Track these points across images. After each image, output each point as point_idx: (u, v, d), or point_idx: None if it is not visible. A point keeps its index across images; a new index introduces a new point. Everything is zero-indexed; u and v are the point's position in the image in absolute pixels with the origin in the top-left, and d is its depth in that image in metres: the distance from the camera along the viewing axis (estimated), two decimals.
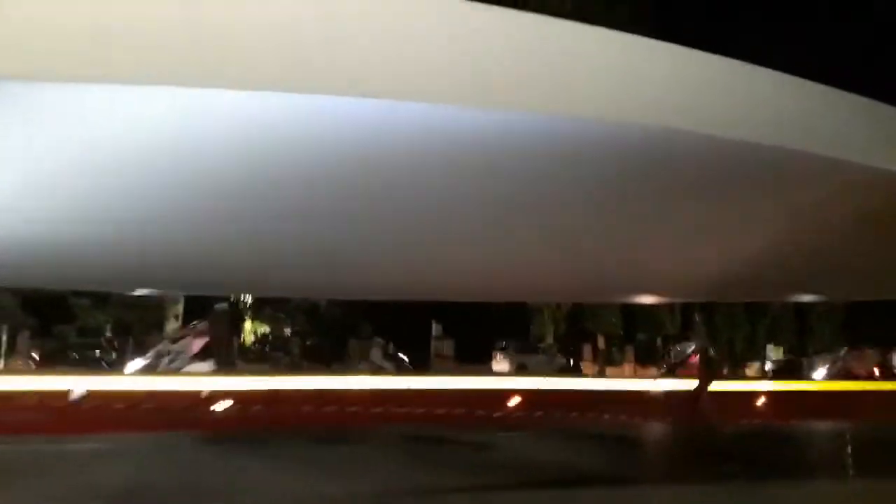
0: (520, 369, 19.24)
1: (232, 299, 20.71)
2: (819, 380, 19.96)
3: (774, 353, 24.37)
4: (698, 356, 19.05)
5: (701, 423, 12.85)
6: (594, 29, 5.05)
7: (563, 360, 21.02)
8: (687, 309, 23.67)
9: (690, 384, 14.22)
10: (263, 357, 21.09)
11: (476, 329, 19.49)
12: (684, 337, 22.28)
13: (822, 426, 14.25)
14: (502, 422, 12.97)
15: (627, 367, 20.78)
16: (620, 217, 6.54)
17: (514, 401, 13.39)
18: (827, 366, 21.54)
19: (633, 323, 22.62)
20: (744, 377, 20.51)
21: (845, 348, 22.96)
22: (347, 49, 4.21)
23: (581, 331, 21.84)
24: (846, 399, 15.69)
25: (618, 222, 6.65)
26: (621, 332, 22.14)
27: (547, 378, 15.78)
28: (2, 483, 6.99)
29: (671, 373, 18.94)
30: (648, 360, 21.25)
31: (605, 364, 20.98)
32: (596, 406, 13.40)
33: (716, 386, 14.51)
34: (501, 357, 20.48)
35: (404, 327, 19.28)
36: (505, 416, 13.25)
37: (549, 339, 21.99)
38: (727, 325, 24.69)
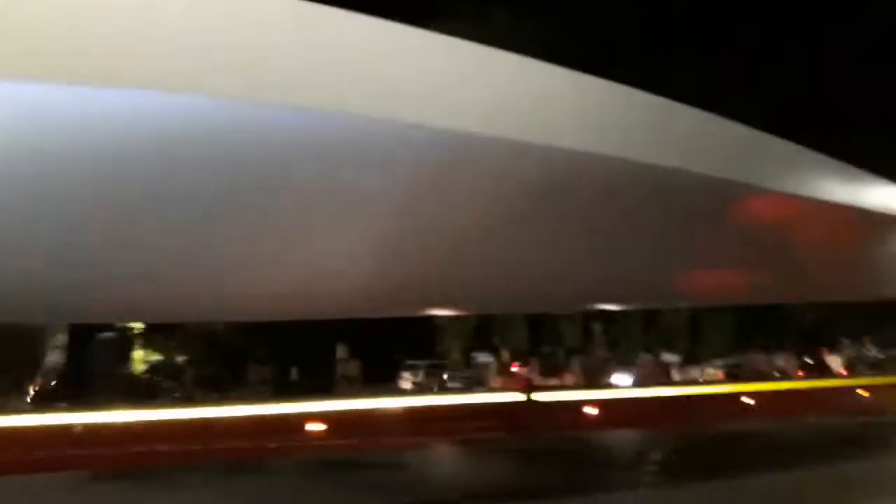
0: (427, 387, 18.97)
1: (118, 327, 19.47)
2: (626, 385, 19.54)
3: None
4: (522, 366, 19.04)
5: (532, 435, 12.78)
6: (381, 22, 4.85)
7: (471, 375, 20.86)
8: (587, 320, 24.14)
9: (513, 396, 13.98)
10: (153, 388, 19.85)
11: (383, 349, 19.04)
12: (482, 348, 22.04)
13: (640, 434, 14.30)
14: (410, 442, 12.66)
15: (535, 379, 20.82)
16: (424, 222, 6.28)
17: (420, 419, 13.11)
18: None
19: (537, 336, 22.84)
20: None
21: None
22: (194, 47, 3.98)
23: (487, 345, 21.80)
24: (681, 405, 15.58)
25: (419, 227, 6.39)
26: (526, 346, 22.29)
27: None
28: None
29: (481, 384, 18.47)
30: (551, 371, 21.44)
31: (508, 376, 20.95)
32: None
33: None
34: (409, 376, 20.14)
35: (307, 350, 18.62)
36: (413, 435, 12.93)
37: (456, 355, 21.85)
38: (625, 333, 25.35)
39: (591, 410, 14.16)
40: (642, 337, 25.72)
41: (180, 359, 22.94)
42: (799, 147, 8.43)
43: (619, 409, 14.61)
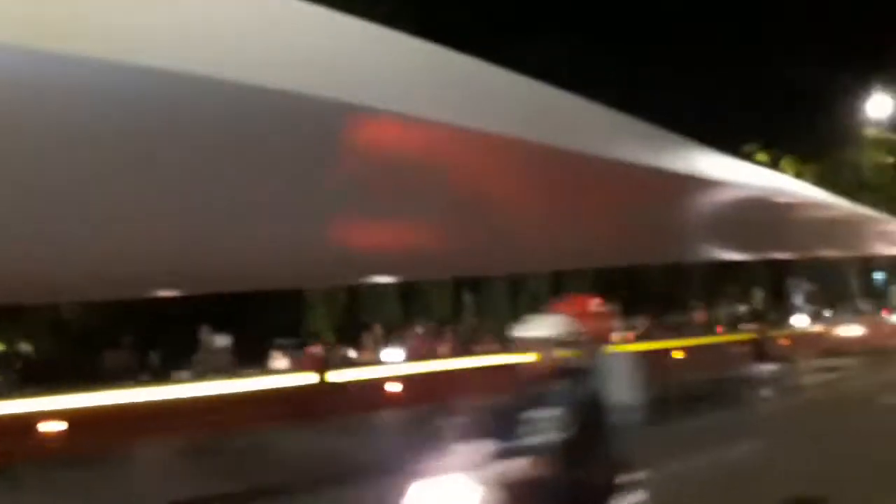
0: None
1: None
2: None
3: None
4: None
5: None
6: None
7: (343, 353, 20.47)
8: (457, 290, 24.25)
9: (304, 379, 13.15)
10: None
11: (251, 328, 18.30)
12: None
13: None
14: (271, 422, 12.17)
15: None
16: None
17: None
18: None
19: (410, 309, 22.72)
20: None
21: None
22: None
23: (359, 321, 21.42)
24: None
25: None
26: (400, 319, 22.11)
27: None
28: None
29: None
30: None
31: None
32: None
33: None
34: (278, 355, 19.47)
35: (170, 332, 17.61)
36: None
37: (329, 333, 21.38)
38: (494, 301, 25.71)
39: (393, 387, 13.59)
40: (511, 304, 26.19)
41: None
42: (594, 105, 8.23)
43: (423, 383, 13.87)
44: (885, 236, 24.88)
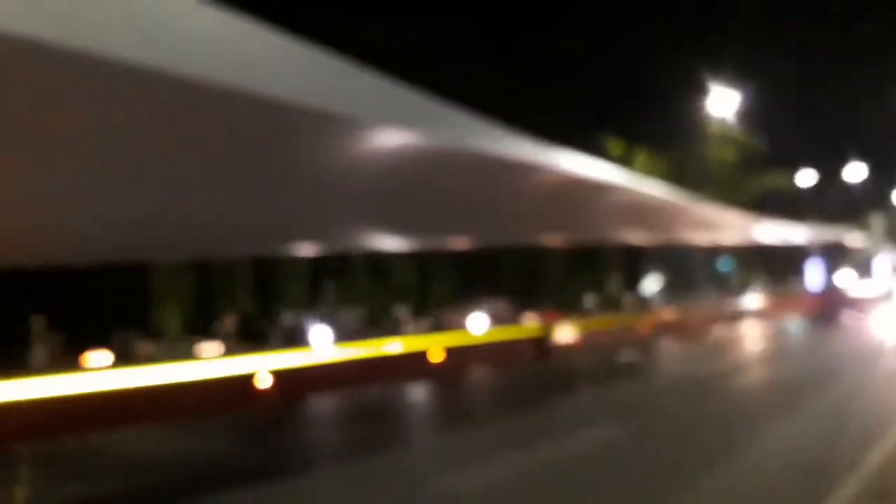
0: (149, 360, 17.12)
1: None
2: None
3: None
4: None
5: None
6: None
7: (191, 346, 19.28)
8: (316, 275, 23.41)
9: None
10: None
11: (90, 318, 16.83)
12: None
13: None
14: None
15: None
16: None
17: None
18: None
19: (266, 299, 21.69)
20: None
21: None
22: None
23: (211, 312, 20.19)
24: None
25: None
26: (257, 309, 21.11)
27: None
28: None
29: None
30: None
31: (238, 344, 19.74)
32: None
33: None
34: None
35: None
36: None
37: (176, 325, 20.03)
38: (356, 287, 25.02)
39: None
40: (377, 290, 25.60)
41: None
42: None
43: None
44: (723, 225, 26.16)
